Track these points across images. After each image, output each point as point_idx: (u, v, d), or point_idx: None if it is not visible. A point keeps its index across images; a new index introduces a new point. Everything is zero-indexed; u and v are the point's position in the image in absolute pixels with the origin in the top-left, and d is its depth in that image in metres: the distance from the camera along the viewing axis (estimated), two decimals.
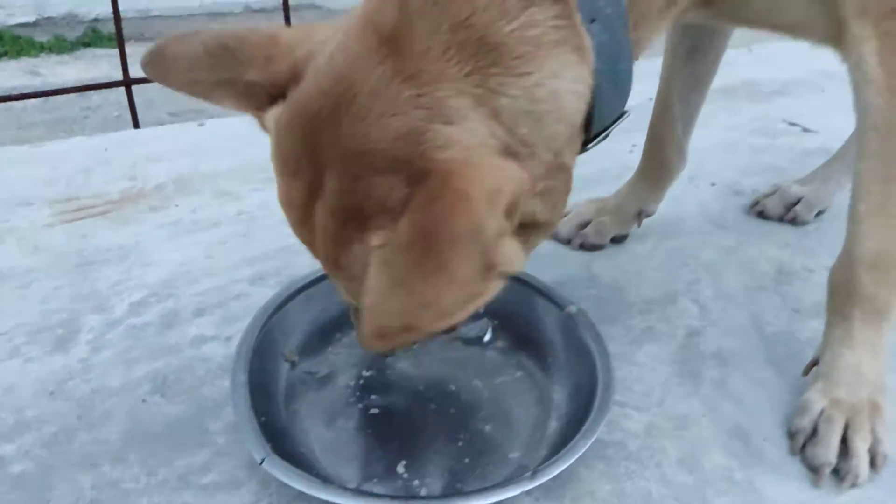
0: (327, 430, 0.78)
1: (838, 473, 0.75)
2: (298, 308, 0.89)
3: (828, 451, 0.76)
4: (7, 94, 1.93)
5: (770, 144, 1.57)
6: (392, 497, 0.70)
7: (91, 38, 3.73)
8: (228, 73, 0.62)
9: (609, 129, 0.68)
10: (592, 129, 0.65)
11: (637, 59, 0.68)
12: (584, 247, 1.14)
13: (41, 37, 3.00)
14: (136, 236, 1.15)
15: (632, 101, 0.71)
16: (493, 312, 0.92)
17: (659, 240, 1.19)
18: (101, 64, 2.24)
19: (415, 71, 0.55)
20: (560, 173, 0.63)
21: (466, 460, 0.76)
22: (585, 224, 1.15)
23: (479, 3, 0.55)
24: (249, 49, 0.62)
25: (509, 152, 0.56)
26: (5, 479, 0.73)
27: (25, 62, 2.44)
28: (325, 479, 0.69)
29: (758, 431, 0.82)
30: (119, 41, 1.52)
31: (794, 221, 1.23)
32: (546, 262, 1.11)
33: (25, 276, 1.05)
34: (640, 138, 1.19)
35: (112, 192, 1.27)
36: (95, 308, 0.98)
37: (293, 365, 0.85)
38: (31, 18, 3.48)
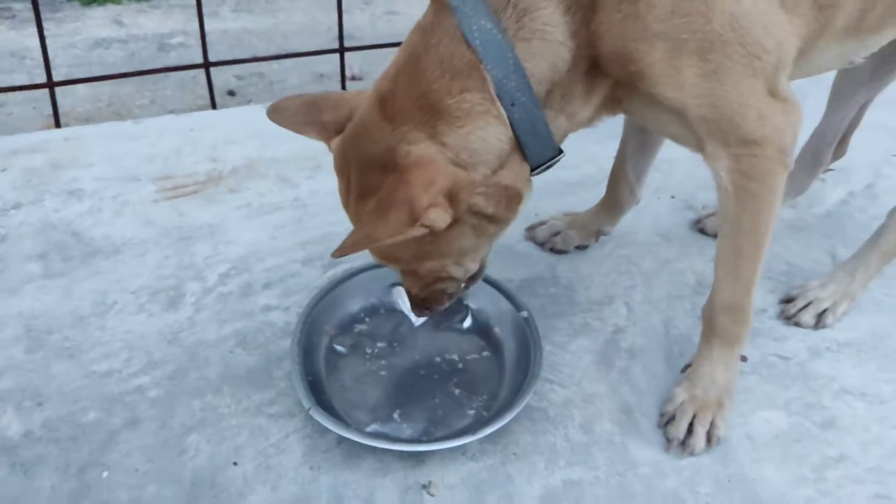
0: (350, 384, 1.19)
1: (684, 445, 1.14)
2: (338, 295, 1.28)
3: (678, 430, 1.14)
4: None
5: None
6: (395, 439, 1.09)
7: None
8: (314, 117, 1.03)
9: (550, 164, 1.00)
10: (530, 164, 0.98)
11: (573, 130, 1.02)
12: (553, 250, 1.50)
13: None
14: (219, 216, 1.54)
15: None
16: (472, 306, 1.31)
17: (614, 247, 1.54)
18: (175, 14, 2.49)
19: (392, 117, 0.92)
20: (501, 187, 0.97)
21: (439, 412, 1.16)
22: (557, 233, 1.50)
23: (434, 86, 0.91)
24: (327, 102, 1.04)
25: (456, 164, 0.93)
26: (145, 400, 1.16)
27: (112, 9, 2.72)
28: (345, 421, 1.10)
29: (640, 409, 1.20)
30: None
31: None
32: (523, 261, 1.48)
33: (142, 245, 1.45)
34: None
35: (199, 173, 1.65)
36: (194, 276, 1.39)
37: (331, 337, 1.25)
38: None
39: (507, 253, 1.49)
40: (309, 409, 1.07)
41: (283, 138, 1.82)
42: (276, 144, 1.77)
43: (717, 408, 1.15)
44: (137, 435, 1.11)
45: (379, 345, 1.26)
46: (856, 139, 1.58)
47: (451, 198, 0.91)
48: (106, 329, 1.27)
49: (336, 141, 1.01)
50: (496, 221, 1.01)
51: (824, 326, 1.36)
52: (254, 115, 1.88)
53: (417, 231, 0.88)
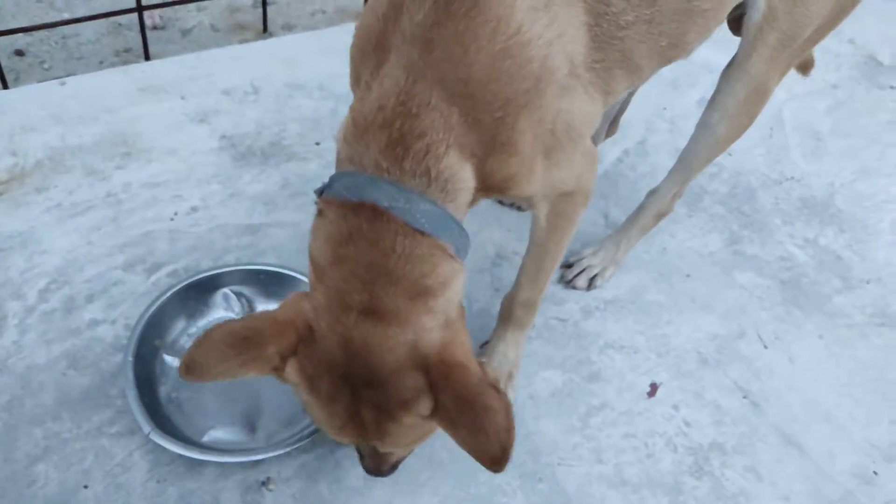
0: (185, 395, 1.30)
1: None
2: (164, 308, 1.35)
3: None
4: None
5: None
6: (231, 447, 1.24)
7: None
8: (252, 353, 0.93)
9: None
10: None
11: None
12: None
13: None
14: (29, 221, 1.51)
15: None
16: None
17: None
18: None
19: (391, 321, 0.92)
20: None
21: (273, 411, 1.31)
22: None
23: (412, 277, 0.93)
24: (266, 332, 0.94)
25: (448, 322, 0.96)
26: None
27: None
28: (184, 433, 1.23)
29: None
30: None
31: (519, 209, 1.77)
32: None
33: None
34: None
35: (0, 171, 1.59)
36: (13, 295, 1.39)
37: (161, 351, 1.33)
38: None
39: None
40: (149, 434, 1.19)
41: (85, 120, 1.78)
42: (78, 128, 1.72)
43: (507, 378, 1.40)
44: None
45: None
46: None
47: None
48: None
49: (297, 365, 0.96)
50: None
51: (595, 288, 1.64)
52: (50, 93, 1.80)
53: (504, 396, 0.91)
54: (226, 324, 0.95)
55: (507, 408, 0.88)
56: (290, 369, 0.96)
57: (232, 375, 0.93)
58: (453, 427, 0.90)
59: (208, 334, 0.94)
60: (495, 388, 0.90)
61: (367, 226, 0.92)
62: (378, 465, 1.12)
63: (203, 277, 1.40)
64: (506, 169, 0.99)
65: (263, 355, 0.94)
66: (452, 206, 0.97)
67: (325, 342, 0.94)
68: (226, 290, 1.42)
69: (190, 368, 0.92)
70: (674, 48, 1.17)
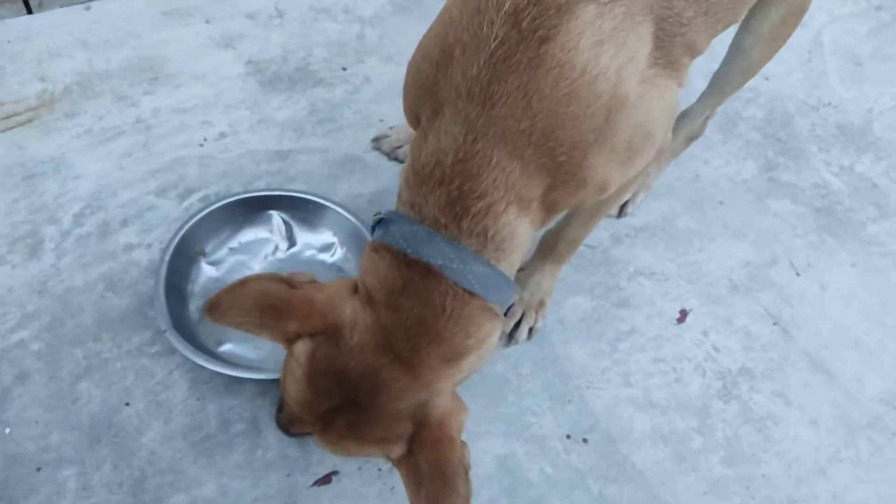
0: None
1: (510, 337, 1.39)
2: (206, 220, 1.36)
3: (507, 326, 1.39)
4: None
5: None
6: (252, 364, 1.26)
7: None
8: (273, 321, 0.94)
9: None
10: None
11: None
12: (397, 159, 1.63)
13: None
14: (61, 147, 1.52)
15: None
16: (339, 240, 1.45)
17: None
18: None
19: (418, 375, 0.92)
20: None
21: None
22: (401, 146, 1.62)
23: (455, 340, 0.92)
24: (292, 310, 0.94)
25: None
26: (30, 354, 1.25)
27: None
28: (201, 345, 1.24)
29: None
30: None
31: None
32: (371, 173, 1.60)
33: None
34: None
35: (29, 97, 1.59)
36: (49, 220, 1.41)
37: (203, 256, 1.35)
38: None
39: (356, 164, 1.60)
40: (165, 332, 1.21)
41: (112, 45, 1.76)
42: (105, 53, 1.70)
43: (539, 307, 1.41)
44: (29, 389, 1.22)
45: (246, 271, 1.38)
46: None
47: None
48: None
49: (306, 348, 0.94)
50: None
51: (625, 215, 1.63)
52: (75, 18, 1.78)
53: (469, 484, 0.93)
54: (263, 280, 0.96)
55: (468, 497, 0.91)
56: (301, 348, 0.95)
57: (246, 330, 0.96)
58: (416, 486, 0.91)
59: (243, 283, 0.95)
60: (466, 472, 0.92)
61: (419, 282, 0.92)
62: (289, 427, 1.06)
63: (251, 196, 1.41)
64: (572, 199, 0.97)
65: (282, 328, 0.95)
66: (506, 263, 0.96)
67: (349, 356, 0.93)
68: (271, 212, 1.42)
69: (212, 308, 0.94)
70: (727, 26, 1.13)
